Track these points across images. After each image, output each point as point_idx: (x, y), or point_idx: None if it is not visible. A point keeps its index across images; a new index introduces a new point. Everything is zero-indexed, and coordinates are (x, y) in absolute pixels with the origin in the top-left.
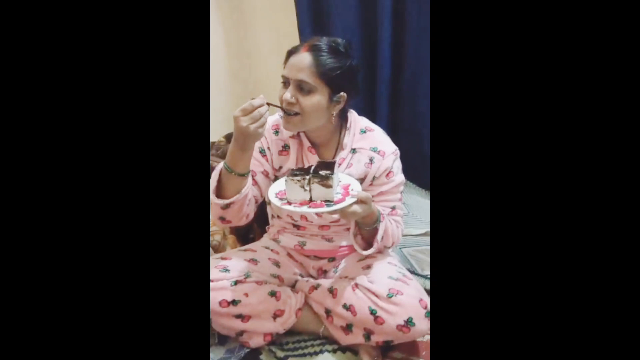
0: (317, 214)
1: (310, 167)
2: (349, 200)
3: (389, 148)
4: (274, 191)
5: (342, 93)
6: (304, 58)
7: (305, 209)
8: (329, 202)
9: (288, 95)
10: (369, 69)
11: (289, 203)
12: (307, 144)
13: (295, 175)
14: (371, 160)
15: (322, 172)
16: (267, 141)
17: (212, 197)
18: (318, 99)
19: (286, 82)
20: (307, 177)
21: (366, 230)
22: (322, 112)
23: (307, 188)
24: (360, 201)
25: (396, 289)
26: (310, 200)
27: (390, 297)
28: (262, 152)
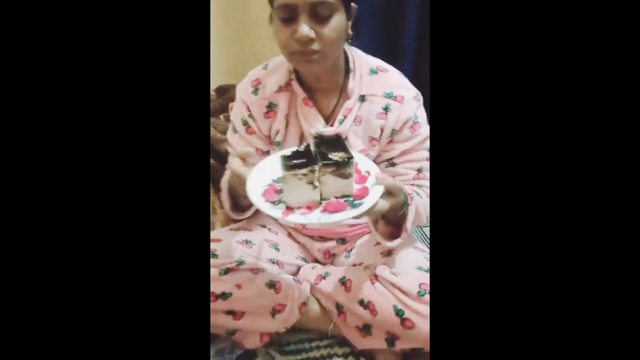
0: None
1: (308, 147)
2: (375, 193)
3: (409, 92)
4: (259, 189)
5: (352, 3)
6: None
7: (317, 217)
8: (346, 198)
9: (306, 29)
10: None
11: (289, 209)
12: (302, 94)
13: (297, 165)
14: (386, 109)
15: (335, 157)
16: (245, 107)
17: (229, 213)
18: (339, 19)
19: (289, 18)
20: (316, 167)
21: (391, 217)
22: (343, 36)
23: (318, 183)
24: (388, 193)
25: (429, 283)
26: (321, 199)
27: (422, 294)
28: (245, 124)
